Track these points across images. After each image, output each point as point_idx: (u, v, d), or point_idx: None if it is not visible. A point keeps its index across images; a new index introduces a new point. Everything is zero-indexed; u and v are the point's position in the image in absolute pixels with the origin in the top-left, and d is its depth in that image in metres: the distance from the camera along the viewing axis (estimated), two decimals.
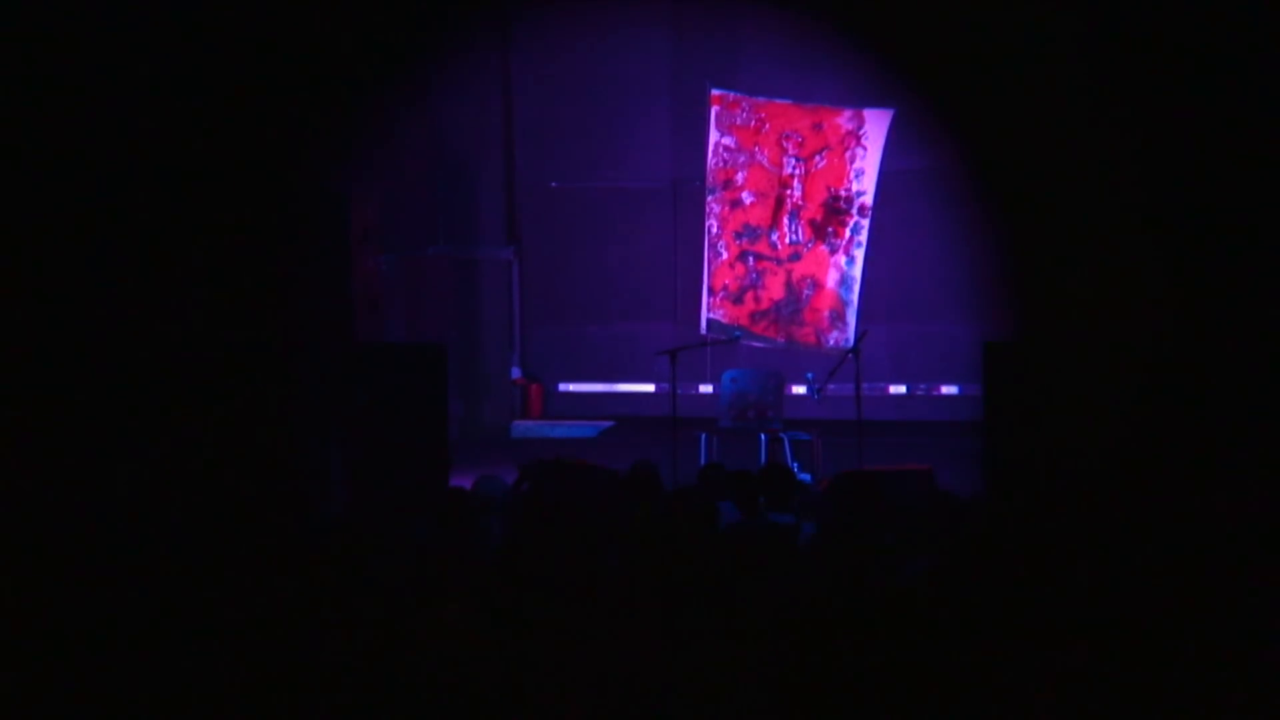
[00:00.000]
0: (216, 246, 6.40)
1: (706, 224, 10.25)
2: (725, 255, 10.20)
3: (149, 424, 6.16)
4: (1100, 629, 4.35)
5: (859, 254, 9.90)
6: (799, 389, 9.77)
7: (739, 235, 10.16)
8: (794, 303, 10.07)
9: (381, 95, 8.16)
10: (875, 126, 9.82)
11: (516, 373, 12.08)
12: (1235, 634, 4.35)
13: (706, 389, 11.26)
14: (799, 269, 10.06)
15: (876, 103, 9.82)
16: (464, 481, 7.11)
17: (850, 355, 8.46)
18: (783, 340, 10.12)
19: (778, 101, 10.08)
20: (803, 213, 10.03)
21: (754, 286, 10.16)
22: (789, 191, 10.04)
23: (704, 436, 8.60)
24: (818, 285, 10.02)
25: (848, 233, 9.94)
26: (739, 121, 10.07)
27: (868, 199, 9.86)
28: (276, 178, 6.66)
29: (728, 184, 10.14)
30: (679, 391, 8.41)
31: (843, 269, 9.95)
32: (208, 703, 4.16)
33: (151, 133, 6.13)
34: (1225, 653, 4.23)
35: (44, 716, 4.12)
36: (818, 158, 9.96)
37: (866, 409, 8.31)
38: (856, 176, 9.88)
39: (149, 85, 6.07)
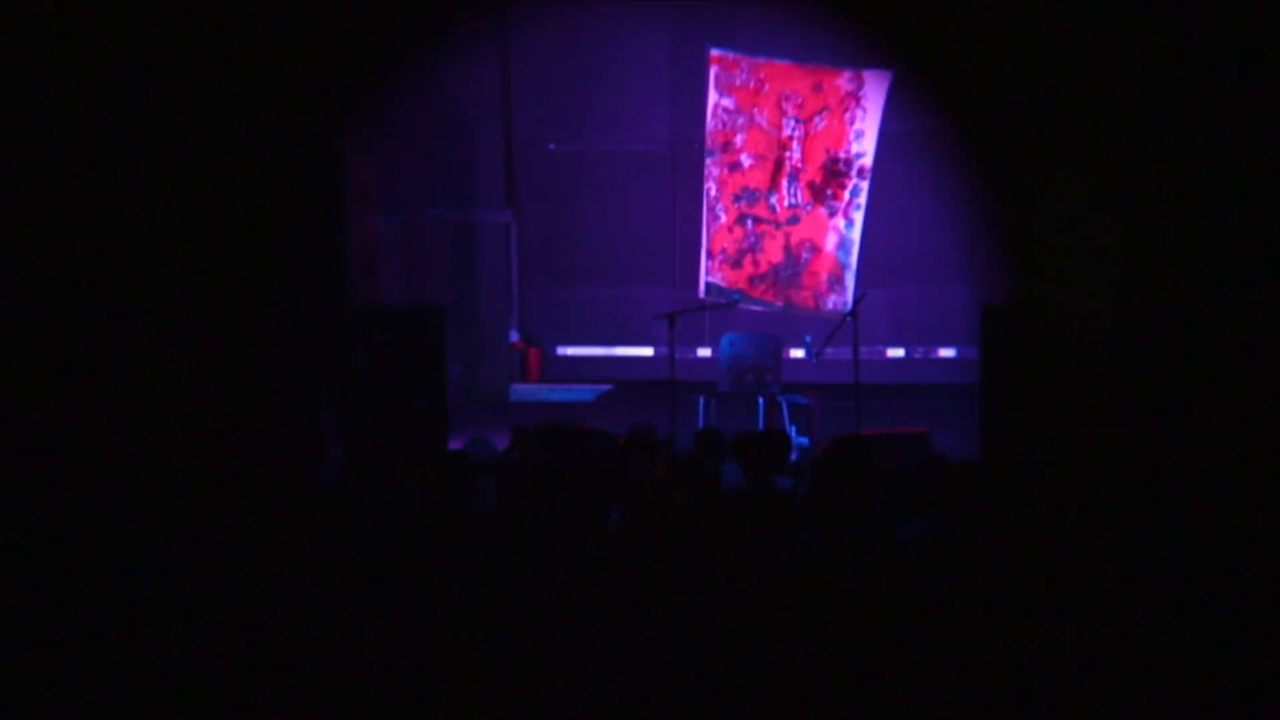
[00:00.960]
0: (213, 208, 6.38)
1: (705, 187, 10.21)
2: (724, 218, 10.16)
3: (145, 390, 6.16)
4: (1096, 591, 4.37)
5: (858, 217, 9.86)
6: (797, 352, 9.77)
7: (738, 198, 10.12)
8: (793, 266, 10.04)
9: (379, 57, 8.10)
10: (875, 88, 9.76)
11: (514, 336, 12.08)
12: (1229, 594, 4.37)
13: (705, 352, 11.26)
14: (798, 232, 10.03)
15: (876, 64, 9.76)
16: (462, 445, 7.12)
17: (848, 318, 8.45)
18: (781, 304, 10.10)
19: (777, 62, 10.00)
20: (802, 175, 9.99)
21: (753, 250, 10.13)
22: (788, 154, 9.99)
23: (702, 400, 8.61)
24: (816, 248, 9.99)
25: (847, 195, 9.90)
26: (738, 82, 10.00)
27: (867, 161, 9.81)
28: (274, 139, 6.63)
29: (727, 146, 10.09)
30: (677, 355, 8.41)
31: (841, 232, 9.92)
32: (204, 672, 4.18)
33: (146, 98, 6.10)
34: (1219, 613, 4.25)
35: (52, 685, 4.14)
36: (817, 119, 9.91)
37: (864, 372, 8.31)
38: (856, 138, 9.83)
39: (143, 51, 6.03)
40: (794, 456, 7.19)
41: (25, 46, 5.76)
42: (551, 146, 11.92)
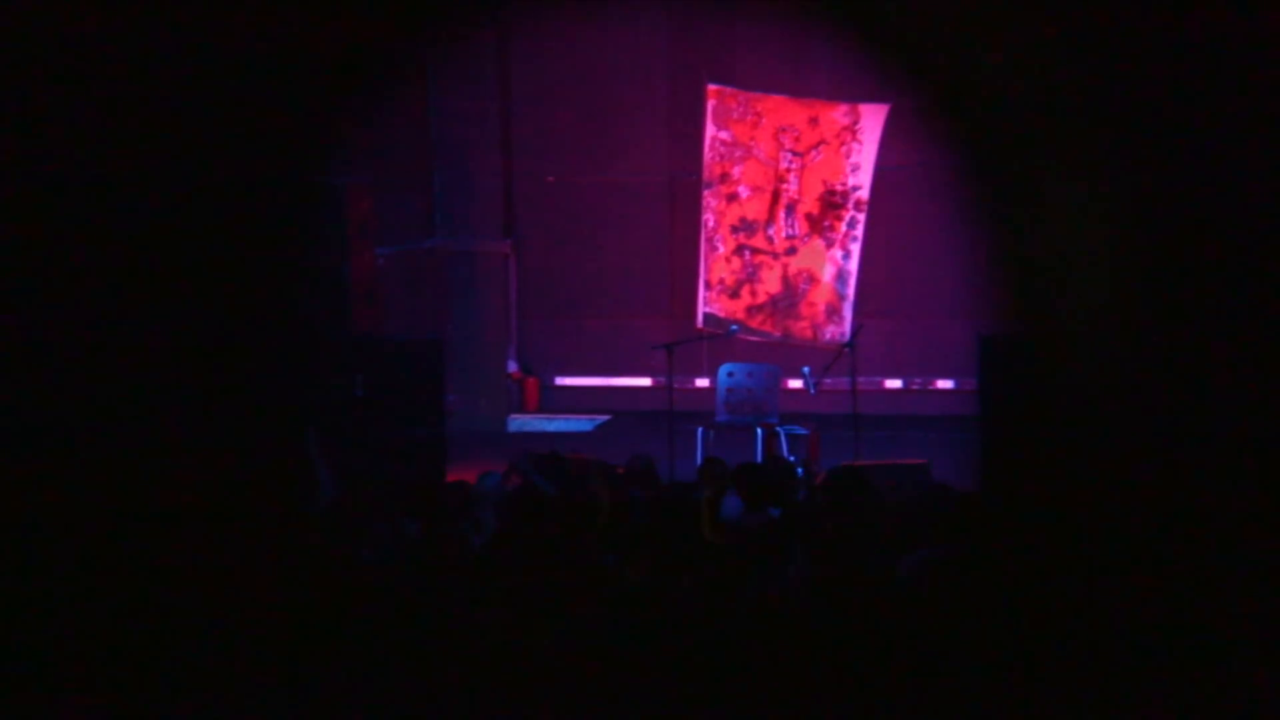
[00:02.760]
0: (213, 239, 6.40)
1: (703, 218, 10.25)
2: (721, 249, 10.20)
3: (141, 417, 6.15)
4: (1097, 624, 4.36)
5: (855, 248, 9.90)
6: (795, 383, 9.78)
7: (735, 229, 10.16)
8: (790, 297, 10.07)
9: (378, 88, 8.15)
10: (871, 121, 9.82)
11: (513, 366, 12.08)
12: (1231, 628, 4.37)
13: (703, 383, 11.26)
14: (795, 263, 10.06)
15: (872, 97, 9.82)
16: (459, 476, 7.11)
17: (846, 349, 8.47)
18: (779, 334, 10.12)
19: (774, 96, 10.07)
20: (799, 207, 10.03)
21: (750, 280, 10.16)
22: (785, 185, 10.04)
23: (700, 430, 8.62)
24: (814, 279, 10.02)
25: (844, 227, 9.94)
26: (735, 116, 10.07)
27: (864, 193, 9.86)
28: (273, 171, 6.65)
29: (724, 178, 10.13)
30: (675, 385, 8.43)
31: (839, 263, 9.96)
32: (196, 696, 4.16)
33: (145, 128, 6.12)
34: (1221, 647, 4.24)
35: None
36: (814, 152, 9.96)
37: (862, 403, 8.33)
38: (852, 171, 9.88)
39: (142, 80, 6.06)
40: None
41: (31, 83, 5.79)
42: (550, 178, 11.97)
